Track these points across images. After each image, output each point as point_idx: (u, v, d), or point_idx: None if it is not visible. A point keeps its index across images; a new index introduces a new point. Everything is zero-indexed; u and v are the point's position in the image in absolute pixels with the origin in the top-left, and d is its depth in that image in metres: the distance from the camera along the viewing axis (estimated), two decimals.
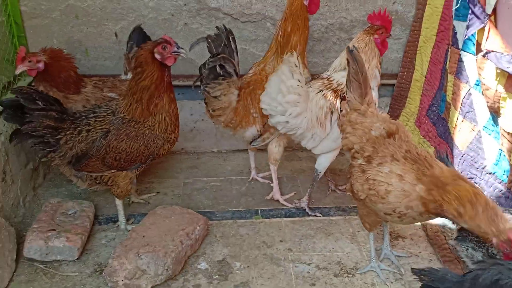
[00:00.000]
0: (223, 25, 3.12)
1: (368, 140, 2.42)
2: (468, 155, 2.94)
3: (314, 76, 3.18)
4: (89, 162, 2.70)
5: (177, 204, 3.14)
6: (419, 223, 3.00)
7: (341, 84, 2.93)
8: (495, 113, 2.68)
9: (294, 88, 2.77)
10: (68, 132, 2.67)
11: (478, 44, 2.78)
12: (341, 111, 2.67)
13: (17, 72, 2.94)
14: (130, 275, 2.43)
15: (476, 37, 2.80)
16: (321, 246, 2.87)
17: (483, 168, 2.82)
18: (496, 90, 2.60)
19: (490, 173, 2.78)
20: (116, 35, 3.66)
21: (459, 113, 3.00)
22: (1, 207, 2.76)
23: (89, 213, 2.95)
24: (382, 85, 3.28)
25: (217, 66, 3.00)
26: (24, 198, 3.10)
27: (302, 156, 4.00)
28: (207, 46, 3.08)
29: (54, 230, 2.70)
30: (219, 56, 2.98)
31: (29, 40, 3.58)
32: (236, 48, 3.09)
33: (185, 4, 3.60)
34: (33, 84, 3.09)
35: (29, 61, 2.91)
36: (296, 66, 2.72)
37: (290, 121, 2.86)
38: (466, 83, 2.93)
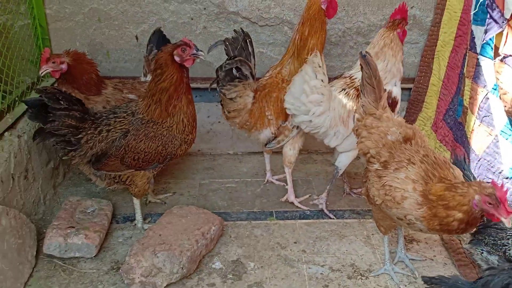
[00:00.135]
0: (241, 28, 3.16)
1: (385, 145, 2.43)
2: (484, 159, 2.91)
3: (336, 76, 3.20)
4: (109, 161, 2.75)
5: (192, 204, 3.17)
6: None
7: None
8: None
9: (318, 88, 2.79)
10: (89, 132, 2.73)
11: (496, 49, 2.77)
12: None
13: (41, 72, 2.97)
14: (146, 273, 2.48)
15: (494, 41, 2.79)
16: (335, 248, 2.88)
17: (500, 172, 2.80)
18: None
19: (507, 178, 2.75)
20: (136, 38, 3.73)
21: (476, 118, 2.98)
22: (23, 204, 2.84)
23: (107, 212, 3.00)
24: None
25: (233, 68, 3.04)
26: (45, 196, 3.18)
27: (317, 159, 4.01)
28: (224, 49, 3.12)
29: (73, 227, 2.76)
30: (235, 58, 3.02)
31: (52, 43, 3.67)
32: (253, 51, 3.13)
33: (204, 8, 3.66)
34: (56, 85, 3.14)
35: (53, 62, 2.97)
36: (320, 67, 2.75)
37: (313, 120, 2.89)
38: (484, 88, 2.91)
